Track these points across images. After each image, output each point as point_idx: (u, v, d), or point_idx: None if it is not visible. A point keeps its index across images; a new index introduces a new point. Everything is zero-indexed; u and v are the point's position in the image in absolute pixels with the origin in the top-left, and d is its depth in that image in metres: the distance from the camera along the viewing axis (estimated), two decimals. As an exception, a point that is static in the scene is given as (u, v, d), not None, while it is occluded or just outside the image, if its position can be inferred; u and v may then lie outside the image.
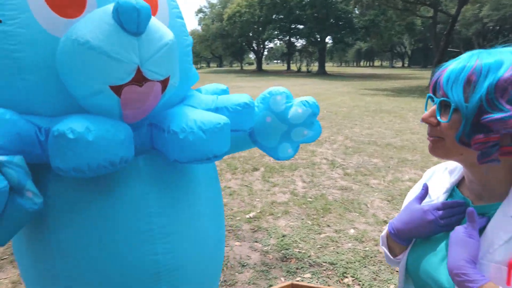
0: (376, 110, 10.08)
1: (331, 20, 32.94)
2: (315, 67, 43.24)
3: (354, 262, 2.64)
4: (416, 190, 0.94)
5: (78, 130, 0.76)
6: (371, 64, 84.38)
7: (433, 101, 0.72)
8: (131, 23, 0.72)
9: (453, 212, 0.76)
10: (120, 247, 0.95)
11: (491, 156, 0.65)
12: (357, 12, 23.18)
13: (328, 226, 3.22)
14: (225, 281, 2.47)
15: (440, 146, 0.72)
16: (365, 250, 2.81)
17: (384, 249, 0.92)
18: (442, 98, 0.68)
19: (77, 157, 0.77)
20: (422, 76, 27.22)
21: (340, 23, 33.27)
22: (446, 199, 0.82)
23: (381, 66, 73.09)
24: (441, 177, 0.88)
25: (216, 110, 1.09)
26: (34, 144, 0.82)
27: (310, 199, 3.85)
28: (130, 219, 0.95)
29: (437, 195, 0.84)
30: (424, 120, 0.73)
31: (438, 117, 0.69)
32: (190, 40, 1.17)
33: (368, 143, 6.27)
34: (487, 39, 36.07)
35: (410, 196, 0.95)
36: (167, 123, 0.93)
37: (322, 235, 3.05)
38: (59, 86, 0.83)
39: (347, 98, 13.54)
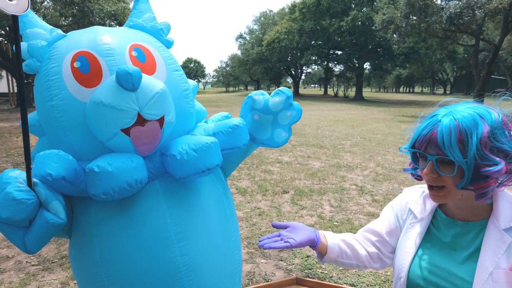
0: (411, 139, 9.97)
1: (370, 46, 32.93)
2: (352, 92, 42.99)
3: (375, 286, 2.73)
4: (394, 203, 1.14)
5: (102, 165, 1.08)
6: (411, 90, 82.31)
7: (423, 156, 0.88)
8: (127, 83, 1.04)
9: None
10: (146, 252, 1.22)
11: (487, 196, 0.83)
12: (395, 39, 23.00)
13: (352, 249, 3.32)
14: (250, 294, 2.65)
15: (444, 194, 0.87)
16: (386, 275, 2.89)
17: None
18: (441, 156, 0.83)
19: (103, 184, 1.09)
20: (464, 104, 26.23)
21: (379, 49, 33.14)
22: (431, 219, 1.00)
23: (422, 93, 71.14)
24: (421, 200, 1.05)
25: (214, 134, 1.38)
26: (82, 179, 1.15)
27: (336, 223, 3.97)
28: (151, 230, 1.23)
29: (423, 216, 1.01)
30: (427, 175, 0.87)
31: (439, 171, 0.84)
32: (190, 86, 1.48)
33: (400, 171, 6.26)
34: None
35: (387, 208, 1.16)
36: (169, 149, 1.24)
37: (345, 258, 3.16)
38: (91, 136, 1.17)
39: (382, 124, 13.44)
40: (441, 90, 69.38)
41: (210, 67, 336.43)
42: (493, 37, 20.05)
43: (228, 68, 71.87)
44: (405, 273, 0.98)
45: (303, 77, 60.26)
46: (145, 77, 1.10)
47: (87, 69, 1.18)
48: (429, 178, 0.87)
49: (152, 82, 1.12)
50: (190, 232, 1.28)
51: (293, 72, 48.32)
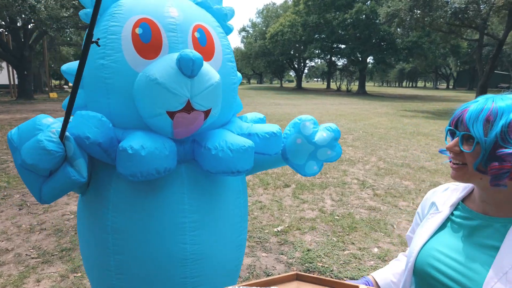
0: (413, 133, 9.93)
1: (373, 40, 32.70)
2: (355, 86, 42.84)
3: (375, 280, 2.73)
4: (419, 205, 1.13)
5: (135, 147, 1.07)
6: (414, 85, 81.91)
7: (453, 134, 0.88)
8: (187, 69, 1.03)
9: None
10: (158, 233, 1.22)
11: (501, 180, 0.80)
12: (399, 33, 22.77)
13: (353, 243, 3.33)
14: (250, 287, 2.65)
15: (463, 172, 0.86)
16: (387, 269, 2.89)
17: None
18: (465, 132, 0.83)
19: (133, 167, 1.08)
20: (466, 99, 26.12)
21: (383, 43, 32.91)
22: (452, 212, 0.98)
23: (424, 87, 70.80)
24: (444, 194, 1.04)
25: (249, 135, 1.36)
26: (115, 149, 1.14)
27: (337, 217, 3.97)
28: (168, 212, 1.22)
29: (445, 208, 1.00)
30: (449, 148, 0.88)
31: (461, 147, 0.84)
32: (238, 78, 1.47)
33: (401, 165, 6.24)
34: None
35: (420, 210, 1.12)
36: (205, 141, 1.22)
37: (346, 252, 3.16)
38: (133, 107, 1.16)
39: (384, 119, 13.39)
40: (444, 85, 69.05)
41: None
42: (497, 31, 19.81)
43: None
44: (414, 258, 0.96)
45: (306, 70, 59.99)
46: (205, 66, 1.09)
47: (148, 39, 1.16)
48: (452, 153, 0.88)
49: (209, 73, 1.11)
50: (205, 222, 1.28)
51: (296, 66, 48.12)
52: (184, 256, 1.25)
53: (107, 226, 1.22)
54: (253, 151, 1.24)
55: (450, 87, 61.03)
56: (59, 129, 1.05)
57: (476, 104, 0.83)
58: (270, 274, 2.82)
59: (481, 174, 0.83)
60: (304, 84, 67.38)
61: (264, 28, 48.74)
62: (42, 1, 13.98)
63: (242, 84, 76.22)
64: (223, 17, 1.43)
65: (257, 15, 58.12)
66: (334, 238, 3.43)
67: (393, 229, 3.66)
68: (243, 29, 55.37)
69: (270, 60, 44.12)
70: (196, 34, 1.23)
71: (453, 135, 0.89)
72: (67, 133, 1.06)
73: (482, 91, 16.74)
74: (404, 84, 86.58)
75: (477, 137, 0.80)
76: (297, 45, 37.89)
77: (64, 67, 1.30)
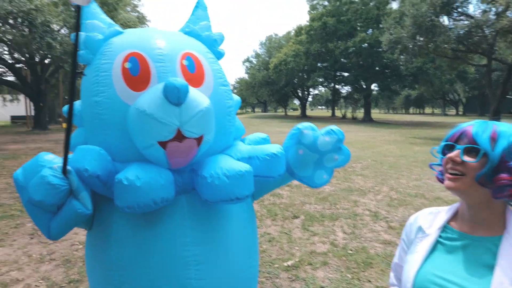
0: (425, 161, 9.67)
1: (377, 67, 33.01)
2: (360, 113, 42.92)
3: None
4: (404, 230, 1.13)
5: (130, 178, 1.05)
6: (421, 111, 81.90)
7: (451, 148, 0.93)
8: (173, 97, 1.01)
9: None
10: (161, 268, 1.16)
11: (503, 192, 0.84)
12: (403, 60, 22.92)
13: (369, 281, 3.08)
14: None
15: (461, 182, 0.88)
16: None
17: None
18: (470, 145, 0.87)
19: (129, 198, 1.06)
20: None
21: (386, 70, 33.19)
22: (440, 234, 0.98)
23: (433, 114, 70.65)
24: (429, 217, 1.04)
25: (249, 158, 1.29)
26: (113, 181, 1.11)
27: (350, 251, 3.72)
28: (169, 245, 1.17)
29: (432, 231, 1.00)
30: (451, 157, 0.90)
31: (462, 158, 0.88)
32: (234, 101, 1.41)
33: (415, 196, 6.00)
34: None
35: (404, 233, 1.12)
36: (201, 169, 1.18)
37: (362, 292, 2.91)
38: (129, 140, 1.14)
39: (394, 147, 13.19)
40: (453, 111, 68.67)
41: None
42: (505, 56, 19.64)
43: (235, 91, 72.89)
44: (411, 285, 0.95)
45: (310, 98, 60.55)
46: (192, 92, 1.08)
47: (137, 71, 1.17)
48: (451, 164, 0.90)
49: (197, 99, 1.10)
50: (209, 255, 1.22)
51: (300, 94, 48.58)
52: None
53: (112, 263, 1.20)
54: (251, 176, 1.18)
55: (460, 113, 60.67)
56: (61, 165, 1.08)
57: (479, 123, 0.90)
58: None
59: (479, 186, 0.86)
60: (309, 112, 67.70)
61: (267, 58, 49.67)
62: (58, 38, 14.71)
63: (247, 113, 77.14)
64: (213, 43, 1.45)
65: (260, 46, 59.29)
66: (349, 275, 3.19)
67: (412, 265, 3.40)
68: (247, 60, 56.53)
69: (273, 89, 44.66)
70: (185, 62, 1.24)
71: (450, 149, 0.93)
72: (68, 167, 1.09)
73: (495, 117, 16.51)
74: (411, 110, 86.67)
75: (486, 149, 0.85)
76: (300, 74, 38.38)
77: (65, 108, 1.33)
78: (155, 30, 1.33)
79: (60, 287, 3.00)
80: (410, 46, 18.90)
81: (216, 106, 1.23)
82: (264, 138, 1.55)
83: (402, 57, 21.98)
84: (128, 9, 23.27)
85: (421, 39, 18.38)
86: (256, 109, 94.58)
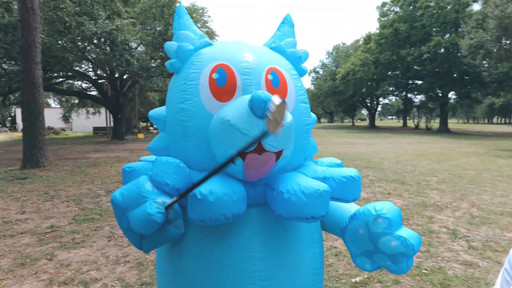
0: (512, 175, 8.70)
1: (455, 74, 30.57)
2: (435, 123, 40.01)
3: None
4: (506, 260, 0.93)
5: (204, 193, 1.07)
6: (507, 121, 73.76)
7: None
8: (259, 109, 1.02)
9: None
10: (227, 280, 1.18)
11: None
12: (486, 65, 20.94)
13: (447, 305, 2.85)
14: None
15: None
16: None
17: None
18: None
19: (201, 212, 1.09)
20: None
21: (466, 77, 30.56)
22: None
23: (520, 123, 63.22)
24: None
25: (324, 179, 1.27)
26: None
27: (425, 271, 3.48)
28: (237, 258, 1.19)
29: None
30: None
31: None
32: (312, 119, 1.43)
33: (501, 214, 5.41)
34: None
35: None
36: (277, 184, 1.18)
37: (439, 315, 2.71)
38: (208, 149, 1.18)
39: (474, 159, 12.06)
40: (545, 120, 60.71)
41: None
42: None
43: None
44: None
45: (379, 108, 57.97)
46: None
47: (223, 82, 1.22)
48: None
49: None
50: (276, 271, 1.22)
51: (369, 104, 46.80)
52: None
53: (180, 267, 1.25)
54: (328, 196, 1.15)
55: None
56: (165, 200, 1.13)
57: None
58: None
59: None
60: (378, 122, 64.65)
61: (334, 68, 48.85)
62: (136, 55, 15.96)
63: (313, 123, 75.79)
64: (297, 60, 1.45)
65: (327, 56, 58.59)
66: (424, 297, 2.98)
67: (498, 291, 3.07)
68: (313, 70, 56.15)
69: (340, 99, 43.66)
70: (269, 77, 1.26)
71: None
72: (175, 206, 1.15)
73: None
74: (494, 120, 78.55)
75: None
76: (369, 83, 37.02)
77: (151, 113, 1.40)
78: (243, 44, 1.37)
79: (133, 288, 3.22)
80: (495, 50, 17.25)
81: (295, 123, 1.23)
82: (338, 163, 1.50)
83: (484, 62, 20.12)
84: (199, 25, 24.80)
85: (508, 42, 16.68)
86: (322, 120, 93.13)
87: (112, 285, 3.25)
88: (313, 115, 1.48)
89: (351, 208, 1.35)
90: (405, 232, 1.17)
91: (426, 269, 3.52)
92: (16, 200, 6.44)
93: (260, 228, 1.23)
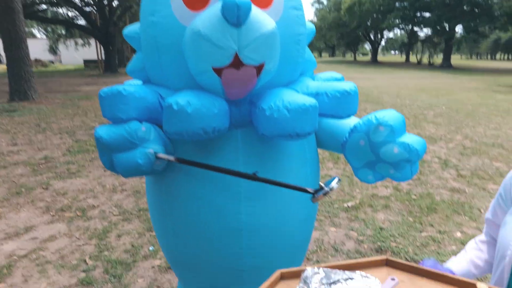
0: (508, 110, 8.75)
1: (464, 6, 29.08)
2: (438, 59, 39.04)
3: (456, 266, 2.48)
4: (502, 185, 0.96)
5: (181, 103, 0.97)
6: (510, 58, 72.05)
7: None
8: (232, 15, 0.87)
9: None
10: (211, 201, 1.15)
11: None
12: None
13: (432, 225, 3.07)
14: (317, 261, 2.58)
15: None
16: (471, 256, 2.61)
17: None
18: None
19: (178, 124, 1.00)
20: None
21: (476, 9, 29.12)
22: None
23: (525, 60, 61.83)
24: None
25: (316, 95, 1.17)
26: (158, 111, 1.09)
27: (414, 197, 3.68)
28: (220, 179, 1.14)
29: None
30: None
31: None
32: (306, 29, 1.25)
33: (492, 145, 5.56)
34: None
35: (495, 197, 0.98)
36: (260, 100, 1.08)
37: (423, 234, 2.92)
38: (184, 65, 1.05)
39: (473, 94, 12.03)
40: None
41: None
42: None
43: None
44: None
45: (382, 43, 56.06)
46: (255, 12, 0.93)
47: None
48: None
49: (260, 20, 0.94)
50: (262, 192, 1.16)
51: (372, 38, 45.17)
52: (239, 227, 1.16)
53: (161, 186, 1.22)
54: (316, 112, 1.05)
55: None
56: (156, 150, 1.07)
57: None
58: (338, 249, 2.72)
59: None
60: (380, 58, 62.81)
61: (339, -1, 46.29)
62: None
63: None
64: None
65: (332, -15, 55.13)
66: (410, 219, 3.19)
67: (480, 213, 3.29)
68: (317, 1, 53.19)
69: (344, 32, 41.99)
70: None
71: None
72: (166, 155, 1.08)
73: None
74: (497, 56, 76.61)
75: None
76: (374, 15, 35.31)
77: (126, 31, 1.23)
78: None
79: (131, 214, 3.33)
80: (508, -21, 16.20)
81: (283, 32, 1.08)
82: (338, 78, 1.37)
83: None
84: None
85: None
86: (323, 54, 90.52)
87: (110, 211, 3.37)
88: (311, 25, 1.33)
89: (351, 122, 1.20)
90: (408, 137, 1.06)
91: (415, 195, 3.72)
92: (6, 133, 6.41)
93: (244, 148, 1.15)
